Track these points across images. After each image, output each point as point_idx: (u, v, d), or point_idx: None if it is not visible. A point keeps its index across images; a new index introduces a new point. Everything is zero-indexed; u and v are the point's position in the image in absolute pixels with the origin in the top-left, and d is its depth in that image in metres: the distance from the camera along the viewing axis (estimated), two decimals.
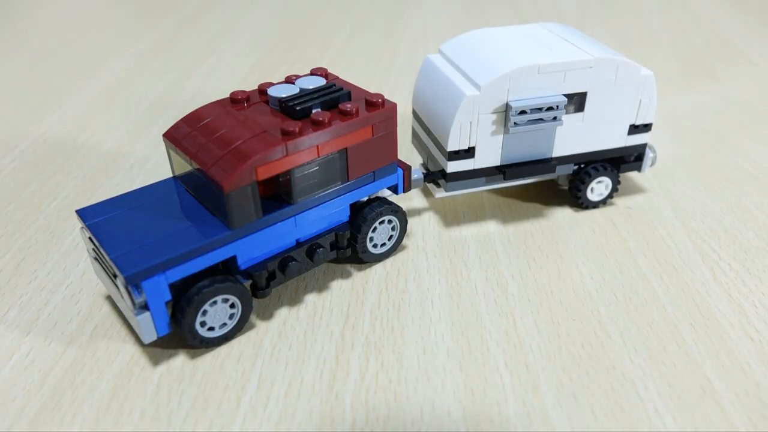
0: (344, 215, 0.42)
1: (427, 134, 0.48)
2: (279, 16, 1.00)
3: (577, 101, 0.45)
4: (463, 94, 0.43)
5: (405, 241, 0.47)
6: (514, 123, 0.43)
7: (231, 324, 0.38)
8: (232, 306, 0.38)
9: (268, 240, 0.38)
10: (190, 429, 0.33)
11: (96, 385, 0.36)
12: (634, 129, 0.48)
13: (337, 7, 1.04)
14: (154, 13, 1.03)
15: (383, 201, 0.43)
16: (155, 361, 0.37)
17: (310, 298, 0.42)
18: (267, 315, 0.41)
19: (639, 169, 0.50)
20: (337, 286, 0.43)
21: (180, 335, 0.39)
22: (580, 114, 0.46)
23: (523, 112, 0.43)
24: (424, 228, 0.49)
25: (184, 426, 0.33)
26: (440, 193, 0.48)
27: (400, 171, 0.43)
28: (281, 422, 0.33)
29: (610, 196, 0.50)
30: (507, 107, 0.44)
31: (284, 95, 0.39)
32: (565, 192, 0.53)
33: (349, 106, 0.38)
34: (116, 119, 0.67)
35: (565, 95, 0.44)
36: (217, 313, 0.37)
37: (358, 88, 0.42)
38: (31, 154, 0.60)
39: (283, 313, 0.41)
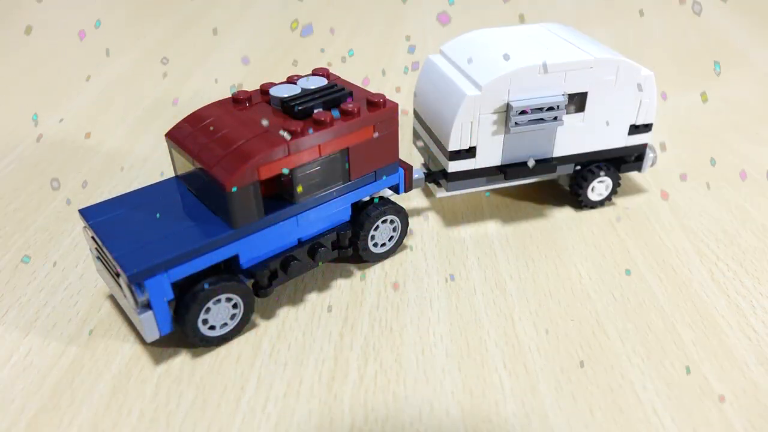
0: (346, 214, 0.42)
1: (428, 134, 0.48)
2: (279, 16, 1.00)
3: (577, 101, 0.45)
4: (464, 94, 0.43)
5: (404, 241, 0.47)
6: (515, 123, 0.44)
7: (232, 324, 0.38)
8: (235, 306, 0.38)
9: (270, 239, 0.38)
10: (189, 430, 0.33)
11: (95, 386, 0.36)
12: (635, 129, 0.48)
13: (337, 7, 1.04)
14: (153, 13, 1.03)
15: (386, 200, 0.43)
16: (154, 362, 0.37)
17: (309, 299, 0.42)
18: (266, 315, 0.41)
19: (639, 169, 0.50)
20: (336, 286, 0.43)
21: (180, 335, 0.39)
22: (580, 114, 0.46)
23: (524, 112, 0.43)
24: (423, 228, 0.49)
25: (182, 427, 0.33)
26: (441, 193, 0.48)
27: (401, 171, 0.43)
28: (280, 423, 0.33)
29: (609, 196, 0.50)
30: (508, 107, 0.44)
31: (286, 95, 0.39)
32: (564, 192, 0.53)
33: (350, 105, 0.38)
34: (116, 120, 0.67)
35: (565, 95, 0.45)
36: (219, 312, 0.37)
37: (360, 88, 0.42)
38: (30, 155, 0.60)
39: (282, 314, 0.41)
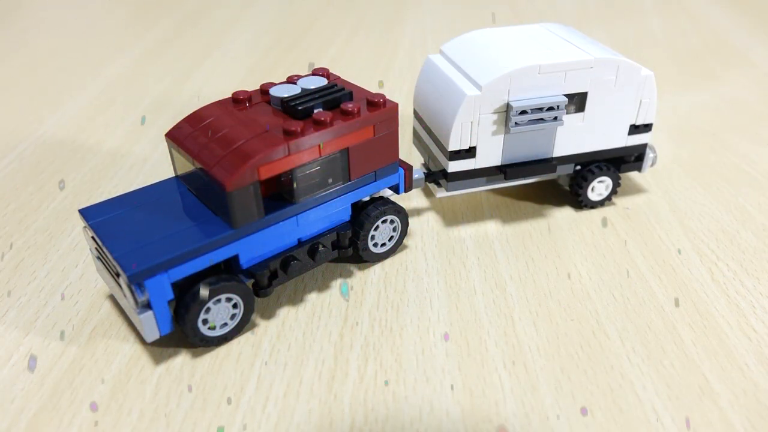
0: (346, 214, 0.42)
1: (428, 134, 0.48)
2: (279, 16, 1.00)
3: (577, 101, 0.45)
4: (464, 94, 0.43)
5: (404, 241, 0.47)
6: (515, 123, 0.44)
7: (232, 324, 0.38)
8: (235, 306, 0.38)
9: (270, 239, 0.38)
10: (188, 430, 0.33)
11: (95, 386, 0.36)
12: (635, 129, 0.48)
13: (337, 7, 1.04)
14: (153, 13, 1.03)
15: (386, 200, 0.43)
16: (154, 362, 0.37)
17: (309, 299, 0.42)
18: (266, 315, 0.41)
19: (639, 169, 0.50)
20: (336, 286, 0.43)
21: (180, 335, 0.39)
22: (580, 114, 0.46)
23: (523, 112, 0.43)
24: (423, 228, 0.49)
25: (182, 427, 0.33)
26: (441, 193, 0.48)
27: (401, 171, 0.43)
28: (280, 423, 0.33)
29: (609, 196, 0.50)
30: (508, 107, 0.44)
31: (286, 95, 0.39)
32: (564, 192, 0.53)
33: (350, 106, 0.38)
34: (115, 120, 0.67)
35: (565, 95, 0.45)
36: (219, 312, 0.37)
37: (360, 88, 0.42)
38: (30, 155, 0.60)
39: (282, 314, 0.41)
